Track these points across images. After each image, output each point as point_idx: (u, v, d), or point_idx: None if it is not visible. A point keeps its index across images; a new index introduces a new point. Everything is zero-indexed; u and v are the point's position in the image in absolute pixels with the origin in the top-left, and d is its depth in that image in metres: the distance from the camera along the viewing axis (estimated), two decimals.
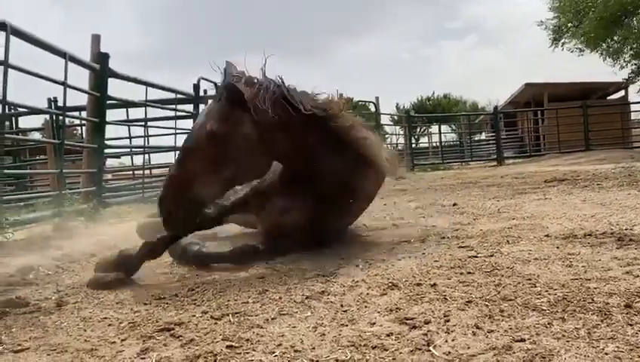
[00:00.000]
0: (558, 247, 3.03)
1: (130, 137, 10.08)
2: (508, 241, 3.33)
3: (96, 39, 7.26)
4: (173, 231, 3.16)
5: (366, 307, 2.16)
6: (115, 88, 7.51)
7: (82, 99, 7.88)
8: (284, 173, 3.62)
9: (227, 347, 1.82)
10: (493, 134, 21.22)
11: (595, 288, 2.16)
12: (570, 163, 13.82)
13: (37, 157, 14.06)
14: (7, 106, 5.03)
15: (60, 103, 7.82)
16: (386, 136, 28.95)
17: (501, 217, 4.51)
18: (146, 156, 10.46)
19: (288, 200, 3.57)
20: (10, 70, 4.75)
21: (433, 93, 52.81)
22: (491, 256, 2.93)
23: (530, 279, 2.37)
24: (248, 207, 3.76)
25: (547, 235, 3.44)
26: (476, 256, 2.93)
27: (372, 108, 19.87)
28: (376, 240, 3.78)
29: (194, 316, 2.20)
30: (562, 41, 22.40)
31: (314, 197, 3.47)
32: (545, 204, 5.17)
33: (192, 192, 3.01)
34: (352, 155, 3.46)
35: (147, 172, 10.57)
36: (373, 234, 4.11)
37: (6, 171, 5.92)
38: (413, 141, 23.23)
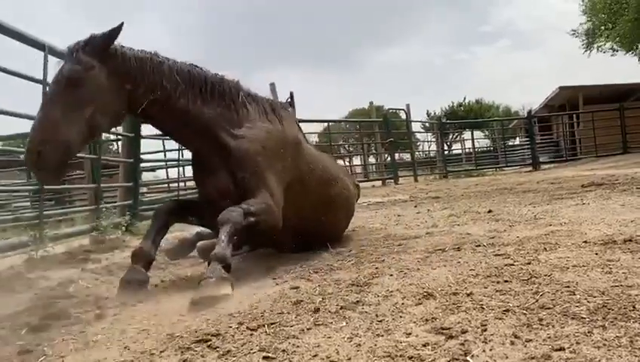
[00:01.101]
0: (597, 254, 2.97)
1: (164, 150, 10.24)
2: (545, 248, 3.27)
3: None
4: (45, 178, 3.37)
5: (401, 317, 2.15)
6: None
7: None
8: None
9: (264, 358, 1.83)
10: (528, 139, 20.93)
11: (636, 295, 2.11)
12: (608, 166, 13.54)
13: (75, 173, 14.39)
14: None
15: None
16: (418, 143, 28.84)
17: (538, 224, 4.44)
18: (180, 169, 10.62)
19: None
20: None
21: (465, 98, 52.45)
22: (528, 263, 2.88)
23: (568, 286, 2.33)
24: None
25: (585, 241, 3.37)
26: (513, 264, 2.89)
27: (403, 115, 19.83)
28: (409, 249, 3.75)
29: (230, 327, 2.22)
30: (596, 44, 22.06)
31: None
32: (582, 210, 5.07)
33: (59, 133, 3.06)
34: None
35: (182, 184, 10.72)
36: (406, 242, 4.09)
37: (46, 187, 6.06)
38: (446, 148, 23.05)
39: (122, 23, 3.28)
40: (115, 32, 3.26)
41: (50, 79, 4.58)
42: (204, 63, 3.69)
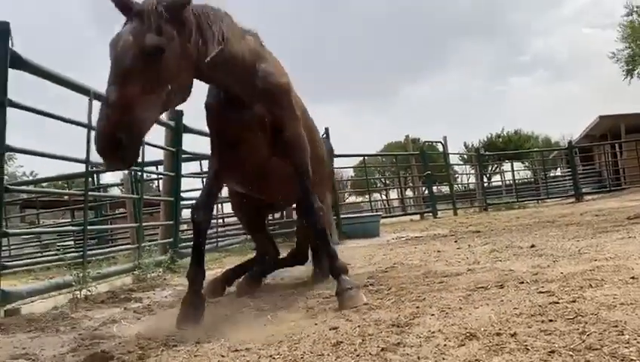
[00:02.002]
0: None
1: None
2: (591, 285, 3.18)
3: None
4: (118, 164, 2.81)
5: (444, 359, 2.11)
6: (189, 142, 7.83)
7: (159, 154, 8.22)
8: None
9: None
10: (569, 170, 20.54)
11: None
12: None
13: (117, 211, 14.72)
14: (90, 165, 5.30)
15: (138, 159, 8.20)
16: (456, 175, 28.59)
17: (582, 258, 4.32)
18: (219, 206, 10.74)
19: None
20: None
21: (503, 129, 51.93)
22: (574, 301, 2.80)
23: (616, 326, 2.25)
24: None
25: (633, 277, 3.26)
26: (557, 302, 2.81)
27: (440, 148, 19.74)
28: (451, 287, 3.69)
29: None
30: (637, 70, 21.72)
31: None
32: (629, 243, 4.92)
33: (136, 118, 2.70)
34: None
35: (220, 221, 10.83)
36: (447, 280, 4.02)
37: (90, 227, 6.22)
38: (485, 180, 22.77)
39: None
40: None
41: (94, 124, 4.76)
42: None
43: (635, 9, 21.16)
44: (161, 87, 2.84)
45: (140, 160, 6.74)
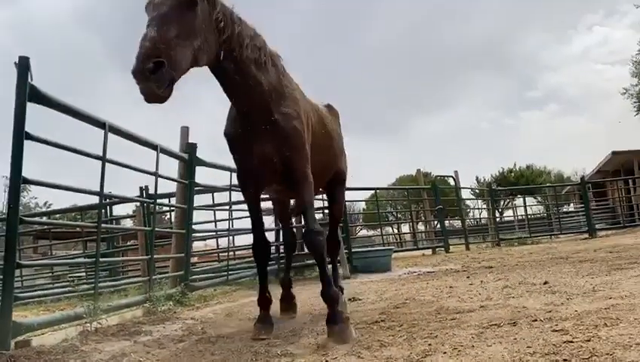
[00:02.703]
0: None
1: (215, 221, 10.40)
2: (606, 324, 3.14)
3: (185, 131, 7.73)
4: (151, 92, 3.01)
5: None
6: (202, 175, 7.89)
7: (171, 186, 8.28)
8: None
9: None
10: (582, 205, 20.39)
11: None
12: None
13: (128, 243, 14.76)
14: (103, 197, 5.34)
15: (151, 191, 8.26)
16: (468, 210, 28.46)
17: (597, 296, 4.27)
18: (231, 238, 10.74)
19: None
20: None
21: (515, 164, 51.80)
22: (588, 340, 2.76)
23: None
24: None
25: None
26: (572, 341, 2.77)
27: (451, 182, 19.70)
28: (463, 324, 3.65)
29: None
30: None
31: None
32: None
33: (170, 52, 3.04)
34: None
35: (231, 254, 10.81)
36: (460, 317, 3.98)
37: (102, 259, 6.24)
38: (498, 214, 22.64)
39: None
40: None
41: (109, 156, 4.82)
42: None
43: None
44: (191, 38, 3.23)
45: (152, 191, 6.83)
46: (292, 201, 5.69)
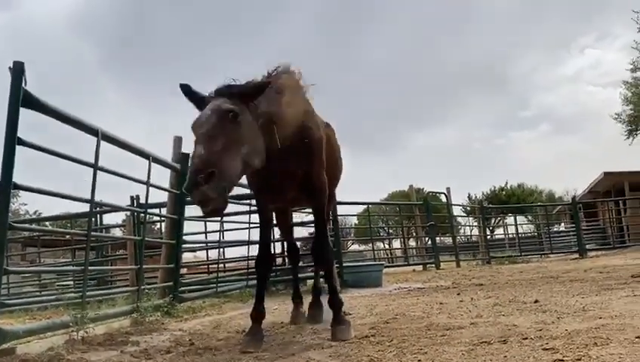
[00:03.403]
0: None
1: (205, 232, 10.36)
2: (596, 343, 3.13)
3: (177, 140, 7.70)
4: (211, 212, 3.41)
5: None
6: None
7: (162, 196, 8.24)
8: None
9: None
10: (573, 225, 20.46)
11: None
12: None
13: (117, 253, 14.65)
14: (94, 205, 5.29)
15: (142, 200, 8.22)
16: (459, 227, 28.50)
17: (587, 316, 4.27)
18: (221, 250, 10.69)
19: None
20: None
21: (506, 183, 51.97)
22: (579, 359, 2.75)
23: None
24: None
25: (639, 337, 3.21)
26: (562, 360, 2.77)
27: (443, 198, 19.74)
28: (453, 341, 3.63)
29: None
30: (639, 130, 21.88)
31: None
32: (634, 302, 4.87)
33: (224, 170, 3.31)
34: None
35: (221, 266, 10.75)
36: (450, 333, 3.96)
37: (90, 267, 6.18)
38: (488, 232, 22.66)
39: (269, 82, 3.84)
40: (263, 86, 3.78)
41: (100, 163, 4.80)
42: None
43: None
44: (238, 147, 3.50)
45: (143, 201, 6.80)
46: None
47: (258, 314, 4.38)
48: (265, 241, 4.66)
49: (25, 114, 4.10)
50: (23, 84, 4.03)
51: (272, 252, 4.79)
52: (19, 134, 4.02)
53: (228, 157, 3.39)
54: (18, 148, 4.03)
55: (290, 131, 4.06)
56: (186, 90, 3.83)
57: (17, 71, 4.02)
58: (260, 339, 4.18)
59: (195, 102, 3.81)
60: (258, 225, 5.02)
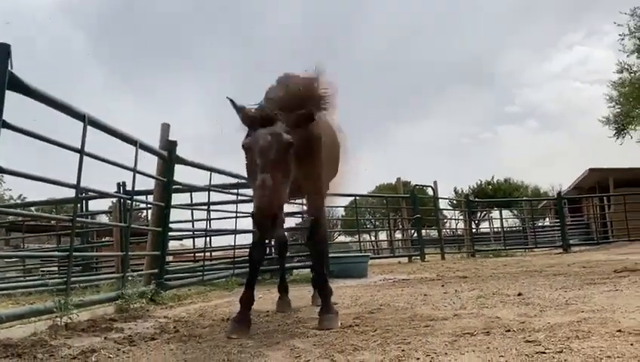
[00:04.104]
0: (632, 344, 2.86)
1: (192, 220, 10.33)
2: (578, 336, 3.17)
3: (165, 128, 7.65)
4: (272, 233, 3.76)
5: None
6: (181, 173, 7.82)
7: (149, 183, 8.19)
8: None
9: None
10: (558, 220, 20.64)
11: None
12: None
13: (103, 239, 14.58)
14: (80, 191, 5.25)
15: (128, 187, 8.17)
16: (445, 220, 28.63)
17: (569, 309, 4.32)
18: (207, 239, 10.66)
19: None
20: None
21: (493, 177, 52.25)
22: (560, 352, 2.78)
23: None
24: None
25: (620, 330, 3.25)
26: (544, 352, 2.79)
27: (430, 192, 19.82)
28: (437, 332, 3.66)
29: None
30: (627, 130, 22.07)
31: None
32: (616, 296, 4.93)
33: (282, 198, 3.66)
34: None
35: (207, 254, 10.74)
36: (433, 324, 3.99)
37: (75, 253, 6.14)
38: (474, 226, 22.78)
39: (314, 113, 3.92)
40: (311, 118, 3.92)
41: (87, 149, 4.76)
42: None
43: (626, 66, 21.59)
44: (289, 175, 3.72)
45: (129, 188, 6.76)
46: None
47: (247, 300, 4.38)
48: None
49: (11, 97, 4.06)
50: (9, 67, 3.98)
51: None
52: (4, 117, 3.98)
53: (284, 189, 3.66)
54: (3, 132, 3.99)
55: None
56: (236, 105, 4.00)
57: (3, 53, 3.96)
58: (246, 325, 4.19)
59: (243, 119, 3.95)
60: (249, 214, 5.05)
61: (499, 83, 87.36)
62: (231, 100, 4.00)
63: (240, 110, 3.98)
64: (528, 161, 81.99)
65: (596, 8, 75.88)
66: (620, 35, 20.74)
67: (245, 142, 3.78)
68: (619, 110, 22.40)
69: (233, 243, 9.80)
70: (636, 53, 20.69)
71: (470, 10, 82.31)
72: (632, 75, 21.51)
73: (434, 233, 22.90)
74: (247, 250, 4.89)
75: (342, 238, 34.50)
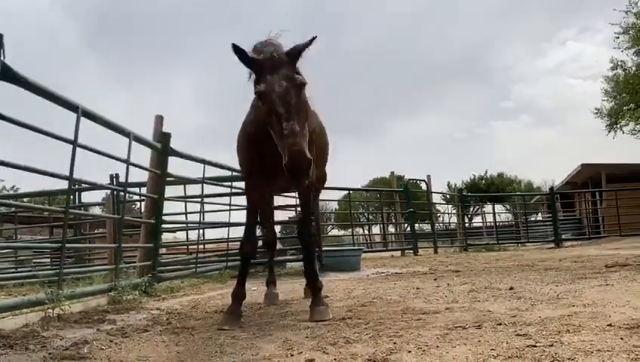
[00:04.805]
0: (622, 338, 2.88)
1: (186, 213, 10.31)
2: (568, 330, 3.19)
3: (159, 119, 7.63)
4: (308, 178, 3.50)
5: None
6: (175, 165, 7.80)
7: (142, 176, 8.18)
8: None
9: None
10: (550, 215, 20.75)
11: None
12: (632, 246, 13.27)
13: (96, 231, 14.53)
14: (73, 182, 5.23)
15: (122, 179, 8.15)
16: (438, 214, 28.70)
17: (560, 303, 4.34)
18: (201, 231, 10.65)
19: None
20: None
21: (486, 172, 52.37)
22: (551, 345, 2.80)
23: None
24: None
25: (610, 325, 3.28)
26: (535, 346, 2.81)
27: (423, 186, 19.86)
28: (428, 325, 3.68)
29: None
30: (619, 124, 22.16)
31: None
32: (607, 291, 4.96)
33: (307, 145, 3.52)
34: None
35: (201, 247, 10.73)
36: (425, 317, 4.01)
37: (68, 245, 6.12)
38: (467, 220, 22.85)
39: (315, 37, 3.82)
40: (311, 43, 3.81)
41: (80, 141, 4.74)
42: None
43: (620, 63, 21.68)
44: (307, 115, 3.73)
45: (123, 180, 6.75)
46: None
47: (239, 294, 4.43)
48: (251, 223, 4.73)
49: (3, 88, 4.04)
50: (2, 57, 3.96)
51: (256, 235, 4.86)
52: None
53: (306, 131, 3.59)
54: None
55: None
56: (239, 51, 3.75)
57: None
58: (237, 318, 4.23)
59: (248, 64, 3.81)
60: (243, 207, 5.09)
61: (493, 78, 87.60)
62: (234, 46, 3.74)
63: (245, 55, 3.79)
64: (522, 156, 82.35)
65: (589, 4, 76.08)
66: (615, 33, 20.78)
67: (260, 88, 3.64)
68: (612, 104, 22.48)
69: (226, 236, 9.80)
70: (632, 50, 20.73)
71: (465, 6, 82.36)
72: (626, 71, 21.59)
73: (427, 227, 22.96)
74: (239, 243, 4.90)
75: (335, 232, 34.55)
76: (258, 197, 4.84)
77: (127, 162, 6.06)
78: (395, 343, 3.10)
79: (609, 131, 22.99)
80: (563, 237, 19.59)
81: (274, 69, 3.63)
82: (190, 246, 11.52)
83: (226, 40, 3.92)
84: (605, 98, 22.74)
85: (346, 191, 17.95)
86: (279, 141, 3.52)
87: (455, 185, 50.60)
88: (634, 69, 21.35)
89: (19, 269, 11.97)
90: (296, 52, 3.77)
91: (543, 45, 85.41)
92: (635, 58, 21.09)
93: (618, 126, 22.53)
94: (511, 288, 5.56)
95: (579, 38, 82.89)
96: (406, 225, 18.97)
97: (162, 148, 7.25)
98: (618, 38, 20.88)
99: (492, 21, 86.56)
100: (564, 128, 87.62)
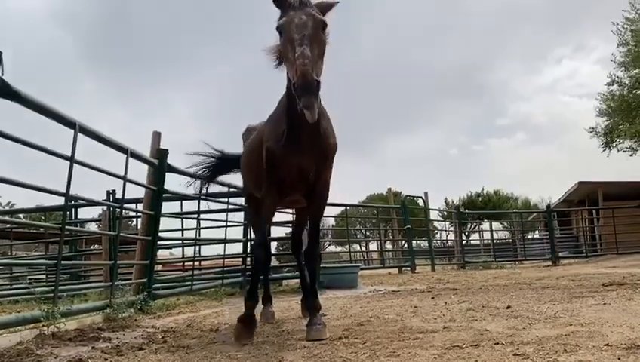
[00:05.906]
0: (619, 358, 2.87)
1: (182, 229, 10.29)
2: (566, 350, 3.17)
3: (156, 136, 7.63)
4: (315, 101, 3.43)
5: None
6: (171, 181, 7.78)
7: (139, 192, 8.16)
8: None
9: None
10: (547, 233, 20.75)
11: None
12: (629, 265, 13.27)
13: (92, 247, 14.49)
14: (69, 198, 5.22)
15: (118, 195, 8.15)
16: (435, 231, 28.68)
17: (558, 323, 4.32)
18: (197, 248, 10.61)
19: None
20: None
21: (483, 189, 52.46)
22: None
23: None
24: None
25: (607, 344, 3.26)
26: None
27: (421, 203, 19.87)
28: (426, 344, 3.66)
29: None
30: (615, 142, 22.23)
31: None
32: (604, 310, 4.94)
33: (319, 71, 3.56)
34: None
35: (197, 264, 10.69)
36: (423, 337, 3.99)
37: (63, 262, 6.09)
38: (464, 238, 22.83)
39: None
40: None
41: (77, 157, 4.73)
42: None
43: (617, 79, 21.74)
44: (323, 55, 3.69)
45: (119, 196, 6.74)
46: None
47: (252, 302, 4.51)
48: (264, 231, 4.79)
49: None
50: (0, 73, 3.97)
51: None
52: None
53: (321, 64, 3.63)
54: None
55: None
56: None
57: None
58: (252, 329, 4.36)
59: (277, 3, 3.86)
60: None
61: (489, 95, 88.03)
62: None
63: None
64: (518, 173, 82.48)
65: (584, 23, 76.79)
66: (617, 45, 20.86)
67: (280, 22, 3.74)
68: (607, 122, 22.57)
69: (223, 253, 9.77)
70: (630, 64, 20.78)
71: (460, 23, 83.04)
72: (622, 87, 21.65)
73: (424, 244, 22.97)
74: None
75: (332, 248, 34.45)
76: (272, 207, 4.76)
77: (124, 178, 6.05)
78: None
79: (604, 149, 23.08)
80: (560, 255, 19.57)
81: (299, 8, 3.72)
82: (186, 264, 11.47)
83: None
84: (600, 116, 22.85)
85: (343, 208, 17.94)
86: (291, 67, 3.56)
87: (452, 201, 50.65)
88: (629, 85, 21.39)
89: (14, 286, 11.90)
90: (325, 4, 3.90)
91: (538, 63, 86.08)
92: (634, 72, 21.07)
93: (614, 144, 22.60)
94: (508, 307, 5.54)
95: (574, 56, 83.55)
96: (403, 241, 18.94)
97: (159, 164, 7.25)
98: (619, 50, 20.91)
99: (488, 38, 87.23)
100: (560, 146, 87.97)
